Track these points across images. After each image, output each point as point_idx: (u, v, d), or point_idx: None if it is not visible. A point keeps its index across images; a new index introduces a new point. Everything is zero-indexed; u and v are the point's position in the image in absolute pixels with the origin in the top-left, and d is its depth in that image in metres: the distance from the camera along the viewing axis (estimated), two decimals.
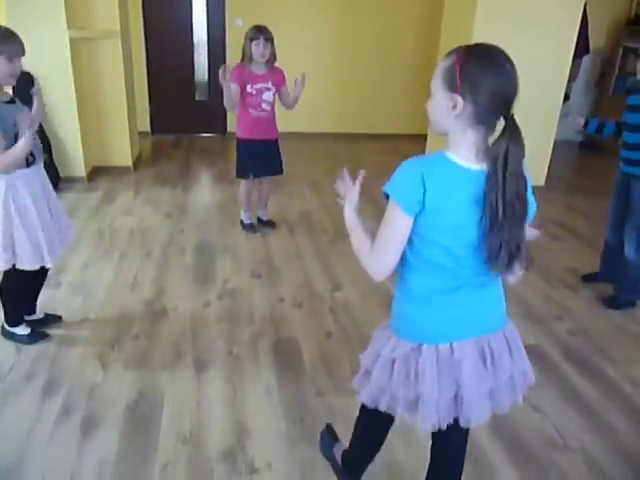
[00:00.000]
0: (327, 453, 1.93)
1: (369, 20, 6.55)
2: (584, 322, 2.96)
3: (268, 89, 3.63)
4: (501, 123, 1.21)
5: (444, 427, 1.37)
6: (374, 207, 4.80)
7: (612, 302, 3.14)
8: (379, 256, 1.27)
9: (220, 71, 3.35)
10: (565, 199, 5.02)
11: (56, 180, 4.61)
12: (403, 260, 1.31)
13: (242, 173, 3.88)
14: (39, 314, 2.67)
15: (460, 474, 1.62)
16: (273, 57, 3.58)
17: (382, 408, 1.44)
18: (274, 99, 3.71)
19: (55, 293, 2.99)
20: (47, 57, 4.38)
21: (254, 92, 3.60)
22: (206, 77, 6.69)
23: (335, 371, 2.46)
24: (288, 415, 2.18)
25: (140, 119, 6.02)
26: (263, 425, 2.12)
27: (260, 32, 3.45)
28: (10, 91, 2.32)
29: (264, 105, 3.66)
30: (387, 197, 1.25)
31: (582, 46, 5.83)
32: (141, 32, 6.38)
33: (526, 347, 2.36)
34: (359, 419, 1.70)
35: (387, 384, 1.39)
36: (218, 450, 1.99)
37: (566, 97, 5.37)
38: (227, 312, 2.91)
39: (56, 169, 4.64)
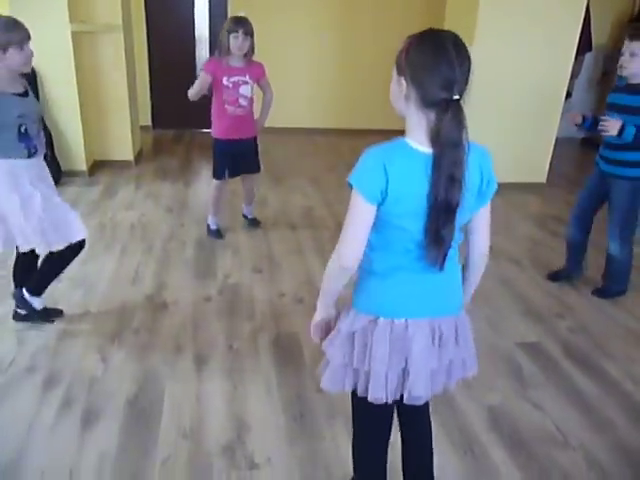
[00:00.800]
0: None
1: (372, 15, 6.53)
2: (585, 320, 2.96)
3: (246, 82, 3.44)
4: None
5: (390, 401, 1.40)
6: None
7: (603, 292, 3.22)
8: (347, 245, 1.28)
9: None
10: (566, 196, 5.00)
11: (57, 174, 4.60)
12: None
13: (216, 173, 3.70)
14: (39, 305, 2.65)
15: (431, 468, 1.64)
16: (251, 51, 3.39)
17: (347, 388, 1.44)
18: (252, 94, 3.52)
19: (56, 287, 2.97)
20: (49, 51, 4.36)
21: (230, 85, 3.40)
22: None
23: None
24: (288, 410, 2.18)
25: (141, 113, 6.01)
26: (263, 420, 2.12)
27: (239, 25, 3.25)
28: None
29: (241, 100, 3.47)
30: (351, 186, 1.26)
31: (585, 43, 5.80)
32: (143, 26, 6.36)
33: (527, 345, 2.38)
34: (354, 424, 1.60)
35: (348, 359, 1.40)
36: (218, 445, 1.99)
37: (568, 94, 5.35)
38: (228, 307, 2.91)
39: (57, 163, 4.63)
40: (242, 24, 3.27)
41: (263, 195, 4.62)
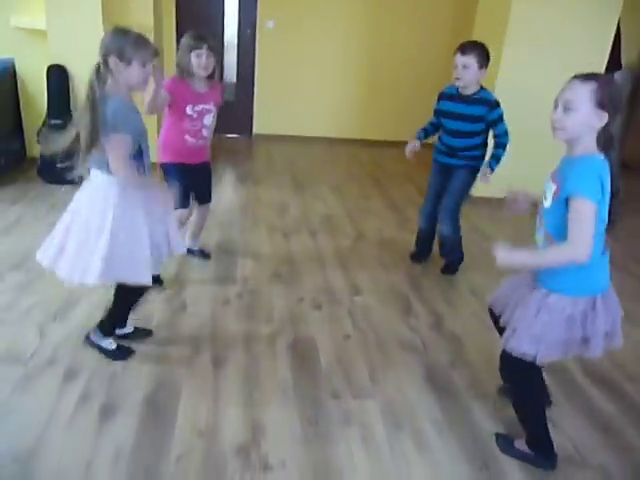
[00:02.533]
0: (511, 451, 2.06)
1: (398, 28, 6.56)
2: None
3: (209, 111, 3.01)
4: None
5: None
6: (396, 213, 4.74)
7: (449, 269, 3.57)
8: (588, 243, 1.62)
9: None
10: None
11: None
12: None
13: (180, 201, 2.88)
14: (129, 327, 2.58)
15: None
16: (214, 71, 2.95)
17: (554, 358, 1.85)
18: (214, 122, 3.11)
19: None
20: (81, 51, 4.44)
21: (195, 115, 2.95)
22: (235, 78, 6.74)
23: (351, 374, 2.46)
24: (303, 415, 2.18)
25: None
26: (278, 423, 2.13)
27: (202, 40, 2.83)
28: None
29: (204, 131, 3.04)
30: (566, 198, 1.65)
31: (614, 61, 5.76)
32: (173, 29, 6.44)
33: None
34: (526, 385, 1.96)
35: (562, 336, 1.77)
36: (232, 445, 2.00)
37: None
38: (246, 310, 2.93)
39: None
40: (205, 39, 2.85)
41: (285, 201, 4.66)
